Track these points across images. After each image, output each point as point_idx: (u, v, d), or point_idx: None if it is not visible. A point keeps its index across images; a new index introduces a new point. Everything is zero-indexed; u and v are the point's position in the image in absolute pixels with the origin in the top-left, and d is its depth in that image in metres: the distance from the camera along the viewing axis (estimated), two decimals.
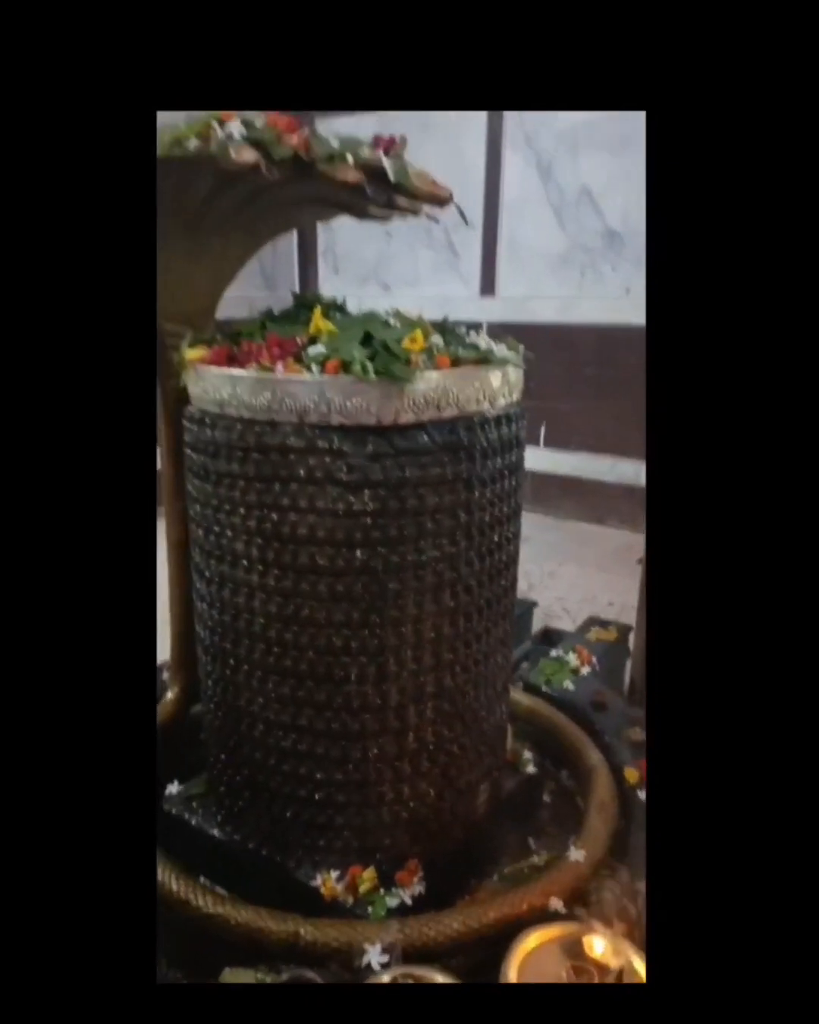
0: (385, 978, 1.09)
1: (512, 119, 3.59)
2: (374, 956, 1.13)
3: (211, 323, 1.48)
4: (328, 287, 4.38)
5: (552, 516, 4.10)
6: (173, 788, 1.52)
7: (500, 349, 1.26)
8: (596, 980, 1.11)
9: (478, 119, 3.68)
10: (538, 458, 4.07)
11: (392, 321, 1.19)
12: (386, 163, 1.25)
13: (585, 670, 2.01)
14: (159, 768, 1.56)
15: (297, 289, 4.40)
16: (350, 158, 1.20)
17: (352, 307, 1.43)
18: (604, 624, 2.30)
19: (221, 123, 1.10)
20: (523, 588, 3.21)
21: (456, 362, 1.15)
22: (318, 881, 1.29)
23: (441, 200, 1.34)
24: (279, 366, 1.10)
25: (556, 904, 1.26)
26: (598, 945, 1.15)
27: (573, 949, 1.16)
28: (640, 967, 1.13)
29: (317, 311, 1.17)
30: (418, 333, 1.11)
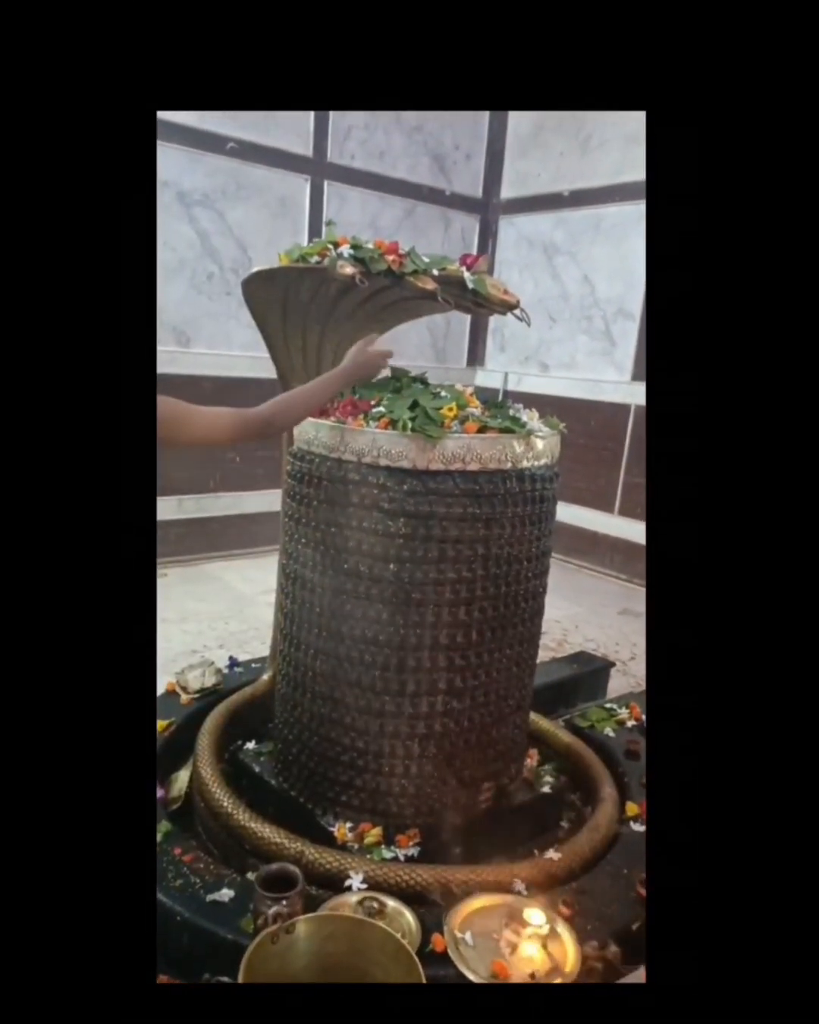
0: (353, 899, 1.38)
1: None
2: (355, 881, 1.43)
3: None
4: (493, 363, 4.82)
5: None
6: (250, 745, 1.91)
7: (535, 424, 1.59)
8: (522, 939, 1.34)
9: (642, 223, 4.01)
10: None
11: (443, 393, 1.55)
12: (466, 275, 1.64)
13: (631, 723, 2.20)
14: (235, 733, 1.95)
15: (465, 363, 4.89)
16: (434, 271, 1.60)
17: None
18: None
19: (336, 246, 1.54)
20: (626, 657, 3.37)
21: (483, 429, 1.48)
22: (335, 829, 1.61)
23: (510, 305, 1.70)
24: (350, 420, 1.49)
25: (518, 885, 1.49)
26: (536, 917, 1.37)
27: (514, 915, 1.39)
28: (571, 948, 1.34)
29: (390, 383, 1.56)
30: (453, 404, 1.47)
